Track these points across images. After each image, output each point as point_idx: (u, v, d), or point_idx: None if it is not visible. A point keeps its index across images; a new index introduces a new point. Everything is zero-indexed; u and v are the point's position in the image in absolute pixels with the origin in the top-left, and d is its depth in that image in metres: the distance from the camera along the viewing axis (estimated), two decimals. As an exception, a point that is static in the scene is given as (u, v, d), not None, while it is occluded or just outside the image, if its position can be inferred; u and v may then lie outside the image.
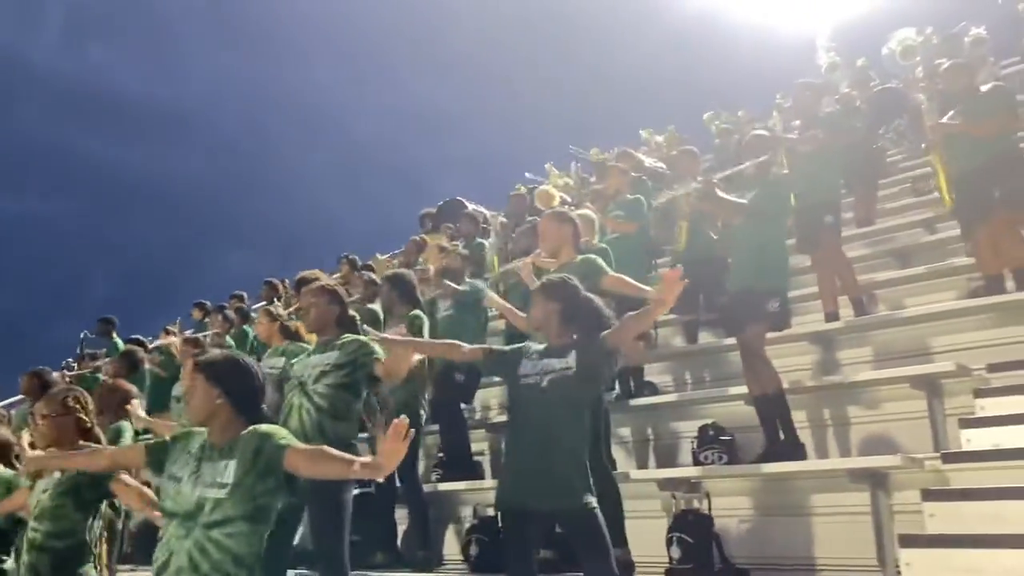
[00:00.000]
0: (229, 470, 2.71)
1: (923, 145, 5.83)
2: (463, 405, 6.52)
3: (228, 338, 8.66)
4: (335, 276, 8.87)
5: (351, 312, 4.58)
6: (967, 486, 3.77)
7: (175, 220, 40.37)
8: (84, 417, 3.77)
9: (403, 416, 2.57)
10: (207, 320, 10.16)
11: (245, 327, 8.89)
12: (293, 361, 4.57)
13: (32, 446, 3.74)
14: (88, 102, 39.70)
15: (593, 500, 3.54)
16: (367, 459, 2.73)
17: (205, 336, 8.06)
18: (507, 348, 4.00)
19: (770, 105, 12.76)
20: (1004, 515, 3.44)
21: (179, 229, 40.49)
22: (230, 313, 9.37)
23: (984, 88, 6.02)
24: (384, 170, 42.84)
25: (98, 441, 3.75)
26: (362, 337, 4.35)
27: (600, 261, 4.78)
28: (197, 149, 42.44)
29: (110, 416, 4.67)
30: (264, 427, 2.81)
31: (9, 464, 4.34)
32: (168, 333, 9.50)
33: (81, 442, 3.63)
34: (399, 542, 5.94)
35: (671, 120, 12.84)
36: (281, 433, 2.79)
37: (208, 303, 11.22)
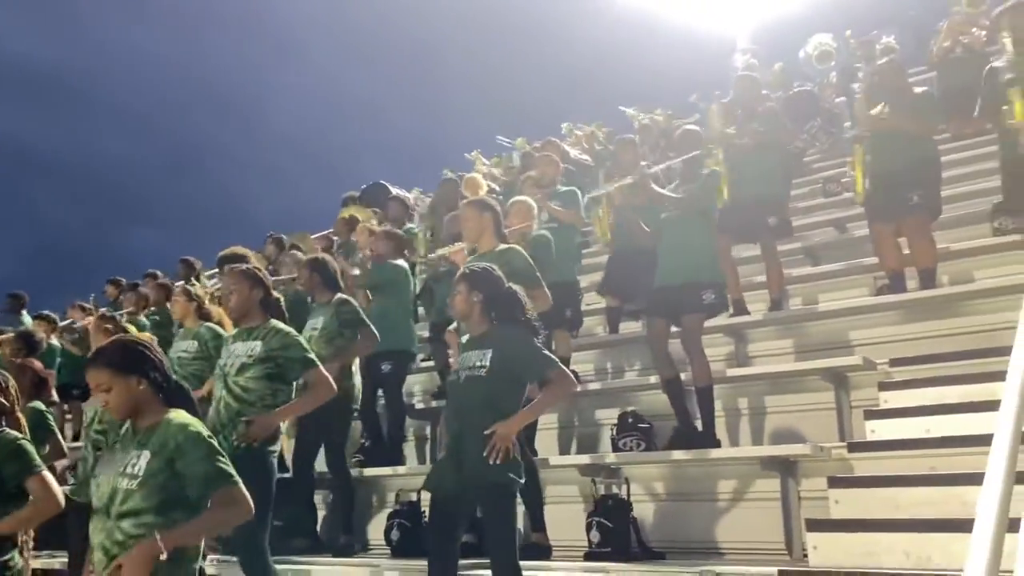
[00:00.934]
0: (141, 460, 2.63)
1: (849, 134, 5.97)
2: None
3: (143, 317, 8.43)
4: (261, 254, 8.72)
5: (275, 295, 4.50)
6: (870, 474, 4.01)
7: (82, 195, 38.72)
8: (4, 401, 3.63)
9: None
10: (122, 298, 9.85)
11: (168, 305, 8.66)
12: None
13: None
14: (-15, 69, 37.64)
15: (514, 485, 3.61)
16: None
17: (121, 315, 7.81)
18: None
19: (683, 104, 12.98)
20: (901, 501, 3.66)
21: (86, 205, 38.88)
22: (145, 291, 9.10)
23: (917, 90, 6.27)
24: (299, 153, 42.04)
25: (19, 426, 3.62)
26: (289, 331, 4.28)
27: (523, 256, 4.82)
28: (107, 123, 40.69)
29: (24, 398, 4.51)
30: (185, 422, 2.71)
31: None
32: (82, 310, 9.19)
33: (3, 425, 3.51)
34: (319, 527, 5.92)
35: (590, 113, 13.00)
36: (201, 451, 2.65)
37: (123, 280, 10.89)
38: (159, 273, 10.20)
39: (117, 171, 38.94)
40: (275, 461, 4.19)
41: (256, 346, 4.17)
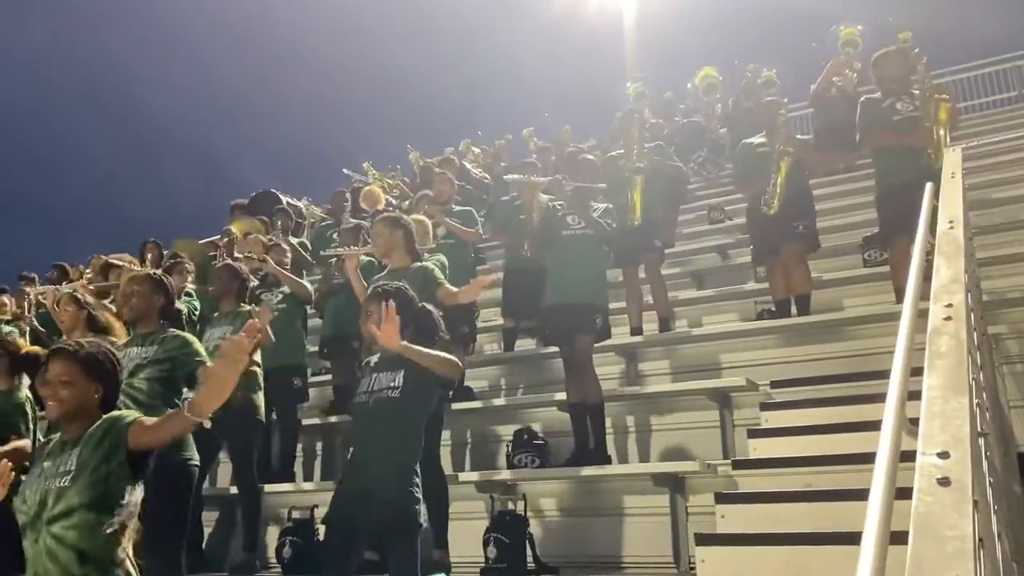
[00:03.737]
0: (73, 457, 2.56)
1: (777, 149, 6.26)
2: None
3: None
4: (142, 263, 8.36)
5: (177, 305, 4.39)
6: (753, 490, 4.23)
7: (-73, 191, 35.96)
8: None
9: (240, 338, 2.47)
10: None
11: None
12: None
13: None
14: None
15: (418, 512, 3.53)
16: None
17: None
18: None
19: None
20: (783, 516, 3.89)
21: (-66, 201, 36.12)
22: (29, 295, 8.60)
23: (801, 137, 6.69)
24: (179, 151, 40.39)
25: None
26: (187, 336, 4.19)
27: (437, 271, 4.88)
28: (-37, 116, 38.00)
29: None
30: (116, 412, 2.70)
31: None
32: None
33: None
34: (204, 544, 5.73)
35: (479, 130, 13.15)
36: (132, 414, 2.67)
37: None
38: (35, 277, 9.66)
39: (-27, 170, 36.36)
40: (195, 471, 4.07)
41: (152, 349, 4.08)
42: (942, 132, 5.49)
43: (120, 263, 7.52)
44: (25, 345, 5.09)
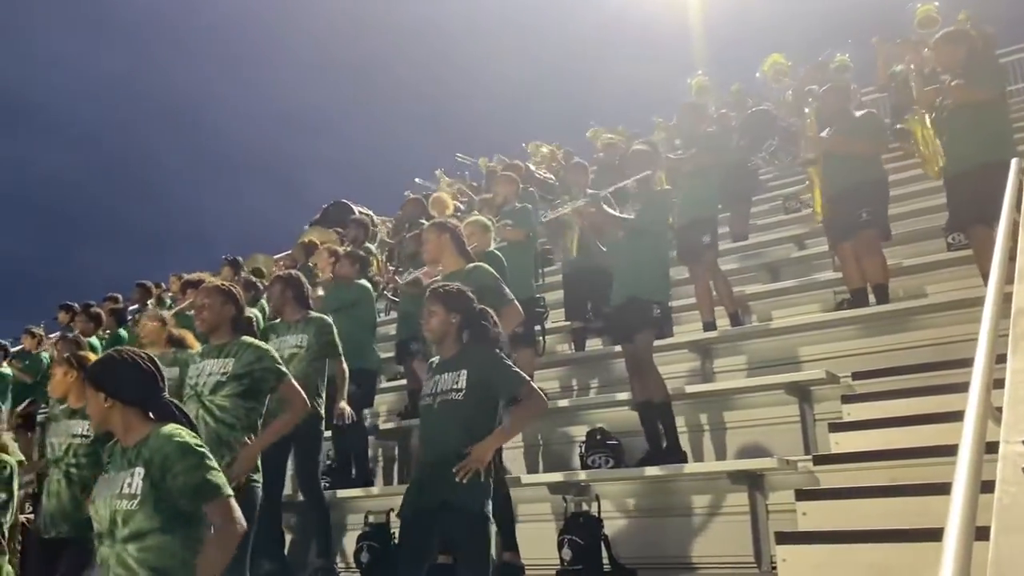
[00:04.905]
0: (136, 479, 2.58)
1: (801, 157, 6.15)
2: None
3: (95, 339, 8.28)
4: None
5: (248, 314, 4.47)
6: (836, 486, 4.07)
7: (31, 217, 37.89)
8: None
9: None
10: (73, 323, 9.67)
11: (120, 331, 8.51)
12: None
13: None
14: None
15: (487, 508, 3.58)
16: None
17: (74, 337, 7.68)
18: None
19: (646, 123, 13.18)
20: (867, 512, 3.73)
21: (36, 227, 38.04)
22: (97, 312, 8.96)
23: (858, 113, 6.46)
24: (255, 169, 41.74)
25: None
26: (261, 344, 4.26)
27: (492, 272, 4.85)
28: (56, 143, 39.91)
29: None
30: (171, 433, 2.65)
31: None
32: (32, 336, 8.99)
33: None
34: (286, 551, 5.84)
35: (546, 129, 13.09)
36: (190, 461, 2.60)
37: (75, 305, 10.68)
38: (119, 296, 10.05)
39: (64, 192, 38.20)
40: (259, 492, 4.10)
41: (229, 363, 4.11)
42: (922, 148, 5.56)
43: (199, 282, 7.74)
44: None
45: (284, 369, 4.22)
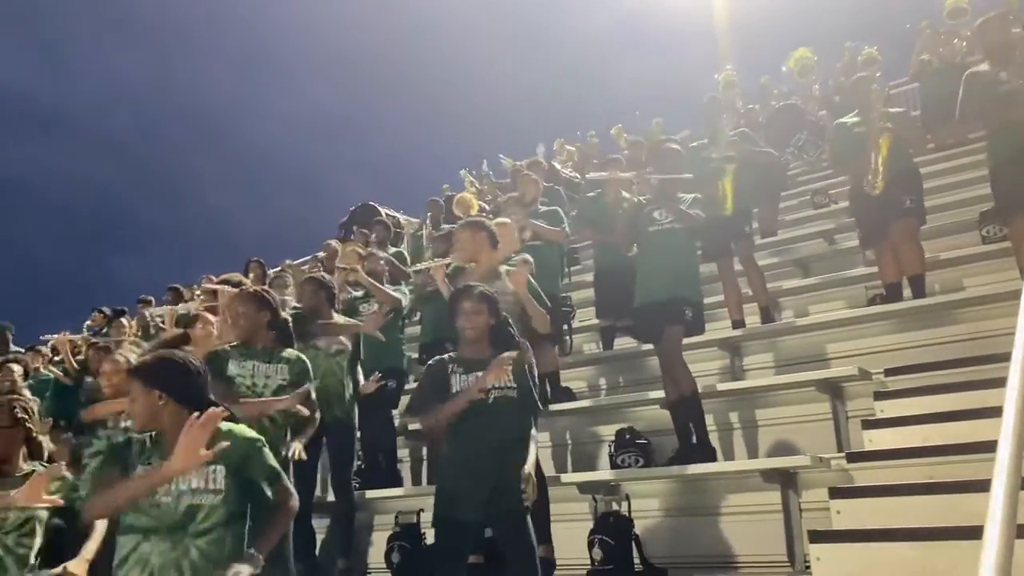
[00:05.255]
0: (219, 475, 2.69)
1: (876, 125, 5.98)
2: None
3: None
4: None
5: (283, 316, 4.53)
6: (870, 483, 4.01)
7: (61, 222, 38.65)
8: (31, 427, 3.61)
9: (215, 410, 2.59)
10: (107, 330, 9.80)
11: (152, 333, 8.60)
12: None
13: None
14: (-42, 96, 37.61)
15: (528, 501, 3.62)
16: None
17: (110, 342, 7.77)
18: (432, 366, 3.94)
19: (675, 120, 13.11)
20: (903, 510, 3.67)
21: (66, 232, 38.81)
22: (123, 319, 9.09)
23: (892, 110, 6.34)
24: (279, 173, 42.26)
25: (41, 452, 3.62)
26: (303, 357, 4.42)
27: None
28: (85, 149, 40.67)
29: None
30: (241, 431, 2.83)
31: None
32: (71, 342, 9.11)
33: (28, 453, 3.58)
34: (317, 551, 5.87)
35: (571, 130, 13.03)
36: (263, 451, 2.83)
37: (107, 309, 10.83)
38: (152, 299, 10.16)
39: (95, 198, 38.87)
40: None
41: (284, 369, 4.33)
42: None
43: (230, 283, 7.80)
44: None
45: (311, 380, 4.45)
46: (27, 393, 5.87)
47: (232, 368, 4.29)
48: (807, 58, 11.38)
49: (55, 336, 8.49)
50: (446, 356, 3.93)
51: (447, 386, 3.76)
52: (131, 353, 5.31)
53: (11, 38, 41.60)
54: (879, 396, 4.56)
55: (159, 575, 2.60)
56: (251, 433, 2.87)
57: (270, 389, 4.26)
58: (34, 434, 3.63)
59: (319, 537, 5.96)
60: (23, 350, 9.33)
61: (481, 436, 3.70)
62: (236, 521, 2.73)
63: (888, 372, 4.86)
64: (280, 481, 2.84)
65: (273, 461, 2.85)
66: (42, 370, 8.69)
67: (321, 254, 11.14)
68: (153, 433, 2.81)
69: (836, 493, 3.92)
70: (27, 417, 3.60)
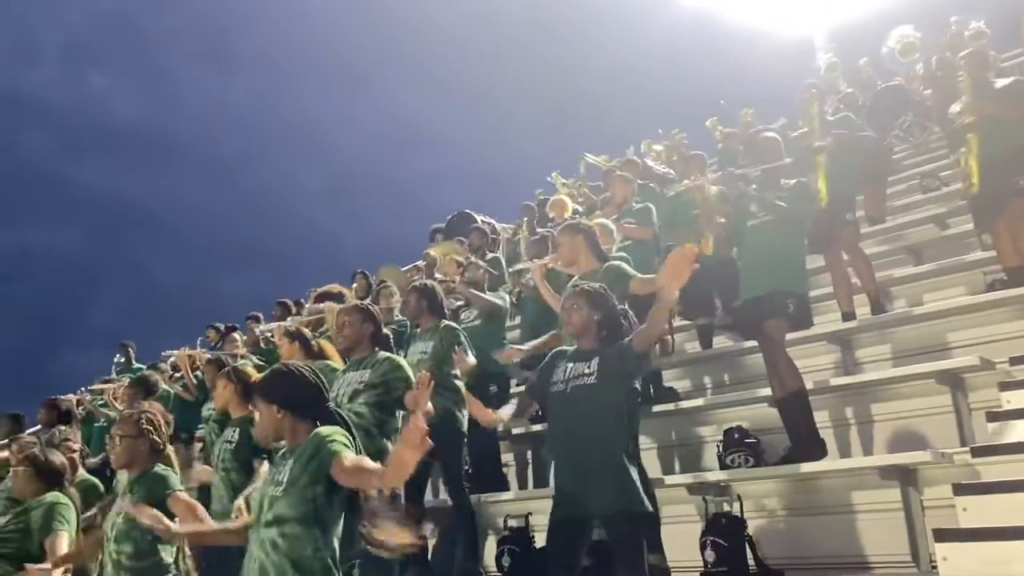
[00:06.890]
0: (286, 469, 2.78)
1: (959, 121, 5.70)
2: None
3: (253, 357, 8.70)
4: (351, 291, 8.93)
5: (385, 330, 4.67)
6: (998, 479, 3.81)
7: (173, 246, 40.70)
8: (157, 439, 3.77)
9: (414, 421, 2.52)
10: (221, 344, 10.22)
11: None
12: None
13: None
14: (86, 131, 40.23)
15: (642, 501, 3.56)
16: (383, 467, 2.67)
17: (227, 356, 8.12)
18: (549, 357, 4.01)
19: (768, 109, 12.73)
20: (1036, 506, 3.47)
21: (178, 254, 40.83)
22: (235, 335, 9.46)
23: (1003, 81, 6.03)
24: (375, 187, 43.33)
25: (170, 463, 3.78)
26: (395, 357, 4.46)
27: (625, 266, 4.86)
28: (193, 174, 42.76)
29: None
30: (324, 429, 2.85)
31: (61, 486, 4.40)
32: (189, 356, 9.55)
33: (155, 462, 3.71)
34: (429, 556, 5.96)
35: (662, 127, 12.74)
36: (337, 438, 2.79)
37: (221, 325, 11.30)
38: (260, 316, 10.55)
39: (205, 220, 40.72)
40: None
41: (366, 373, 4.40)
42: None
43: (332, 293, 8.03)
44: (256, 375, 5.52)
45: (412, 378, 4.38)
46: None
47: (334, 387, 4.45)
48: (909, 36, 10.89)
49: (176, 352, 8.89)
50: (567, 349, 3.98)
51: (550, 376, 3.84)
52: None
53: (128, 76, 44.24)
54: (1004, 386, 4.34)
55: (249, 565, 2.79)
56: (332, 431, 2.82)
57: (345, 395, 4.34)
58: (160, 446, 3.79)
59: (430, 542, 6.06)
60: (144, 367, 9.84)
61: (562, 426, 3.77)
62: (314, 523, 2.72)
63: (1013, 361, 4.63)
64: (335, 457, 2.71)
65: (333, 446, 2.73)
66: (163, 385, 9.13)
67: (421, 263, 11.37)
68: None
69: (961, 489, 3.73)
70: (152, 429, 3.75)
